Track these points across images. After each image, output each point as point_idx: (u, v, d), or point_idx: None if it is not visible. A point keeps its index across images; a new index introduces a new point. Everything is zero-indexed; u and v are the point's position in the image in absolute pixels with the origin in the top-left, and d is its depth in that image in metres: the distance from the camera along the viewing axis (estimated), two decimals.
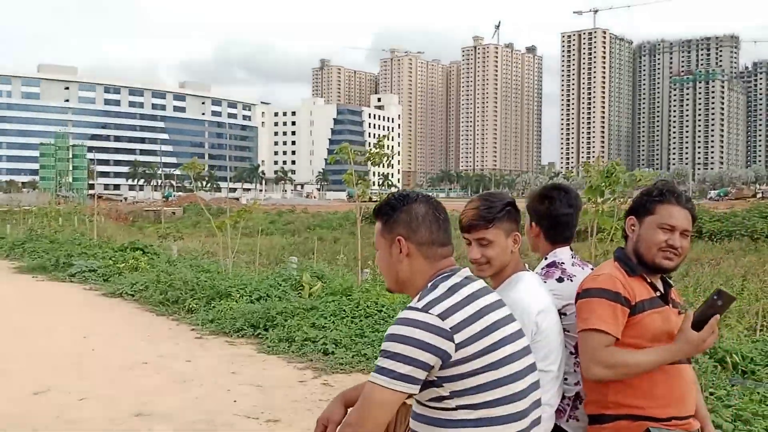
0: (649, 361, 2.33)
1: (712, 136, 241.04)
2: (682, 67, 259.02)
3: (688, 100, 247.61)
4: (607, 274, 2.46)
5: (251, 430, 4.80)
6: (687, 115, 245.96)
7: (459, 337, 1.97)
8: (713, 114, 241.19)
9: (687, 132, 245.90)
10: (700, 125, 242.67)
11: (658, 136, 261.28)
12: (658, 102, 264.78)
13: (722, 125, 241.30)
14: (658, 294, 2.46)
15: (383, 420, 1.97)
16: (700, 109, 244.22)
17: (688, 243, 2.45)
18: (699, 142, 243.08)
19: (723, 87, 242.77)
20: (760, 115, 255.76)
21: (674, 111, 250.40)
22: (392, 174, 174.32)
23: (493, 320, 2.03)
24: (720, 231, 38.30)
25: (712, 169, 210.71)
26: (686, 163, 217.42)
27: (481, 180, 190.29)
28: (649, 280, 2.48)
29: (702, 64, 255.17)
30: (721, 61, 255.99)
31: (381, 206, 2.25)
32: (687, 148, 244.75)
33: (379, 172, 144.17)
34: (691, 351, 2.34)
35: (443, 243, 2.17)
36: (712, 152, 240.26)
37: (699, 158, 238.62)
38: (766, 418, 4.18)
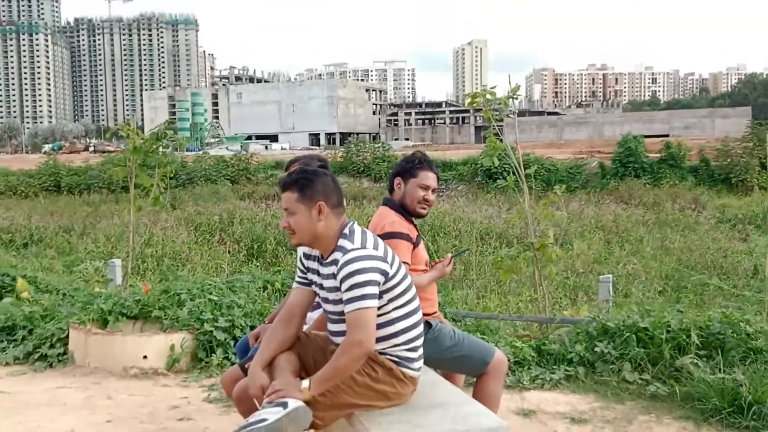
0: (426, 281, 3.61)
1: (40, 89, 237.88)
2: (3, 17, 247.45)
3: (12, 51, 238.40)
4: (399, 221, 3.57)
5: None
6: (12, 67, 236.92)
7: (389, 258, 2.86)
8: (39, 67, 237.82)
9: (14, 84, 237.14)
10: (26, 78, 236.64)
11: None
12: None
13: (48, 79, 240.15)
14: (417, 233, 3.74)
15: (374, 331, 2.78)
16: (25, 62, 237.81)
17: (435, 197, 3.78)
18: (27, 95, 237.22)
19: (47, 40, 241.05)
20: (84, 70, 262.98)
21: None
22: None
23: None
24: (79, 184, 39.88)
25: (42, 122, 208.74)
26: (15, 117, 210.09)
27: None
28: (413, 223, 3.73)
29: (24, 16, 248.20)
30: (43, 14, 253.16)
31: (297, 179, 2.88)
32: (15, 101, 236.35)
33: None
34: (443, 276, 3.71)
35: (342, 204, 2.97)
36: (41, 106, 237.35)
37: (28, 112, 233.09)
38: None
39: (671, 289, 12.59)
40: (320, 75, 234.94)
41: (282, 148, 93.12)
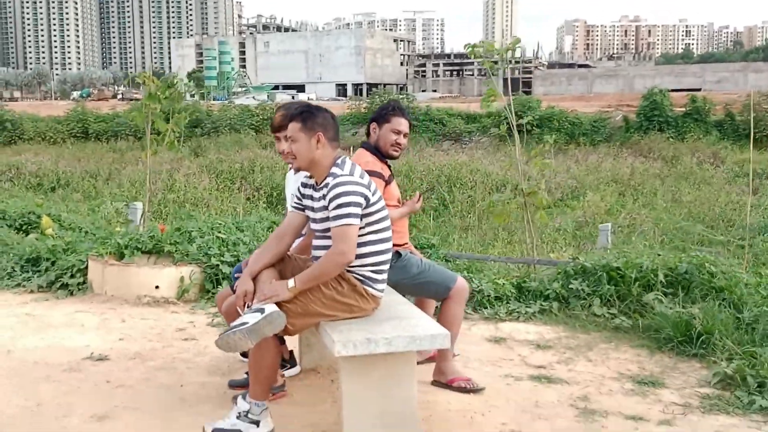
0: (397, 215, 4.01)
1: (68, 36, 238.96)
2: None
3: None
4: (373, 161, 3.99)
5: None
6: (41, 14, 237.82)
7: (371, 188, 3.32)
8: (68, 13, 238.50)
9: (43, 31, 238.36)
10: (55, 24, 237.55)
11: (12, 35, 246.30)
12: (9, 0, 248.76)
13: (77, 25, 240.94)
14: (390, 173, 4.15)
15: (355, 245, 3.25)
16: (54, 8, 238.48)
17: (407, 141, 4.18)
18: (55, 41, 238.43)
19: None
20: (113, 17, 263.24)
21: (27, 9, 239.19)
22: None
23: None
24: (106, 131, 40.59)
25: (70, 69, 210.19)
26: (44, 63, 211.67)
27: None
28: (387, 163, 4.14)
29: None
30: None
31: (301, 113, 3.37)
32: (44, 48, 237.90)
33: None
34: (413, 212, 4.17)
35: (338, 139, 3.46)
36: (69, 53, 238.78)
37: (57, 59, 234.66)
38: None
39: (678, 239, 12.88)
40: (348, 24, 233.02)
41: (309, 98, 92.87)
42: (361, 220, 3.28)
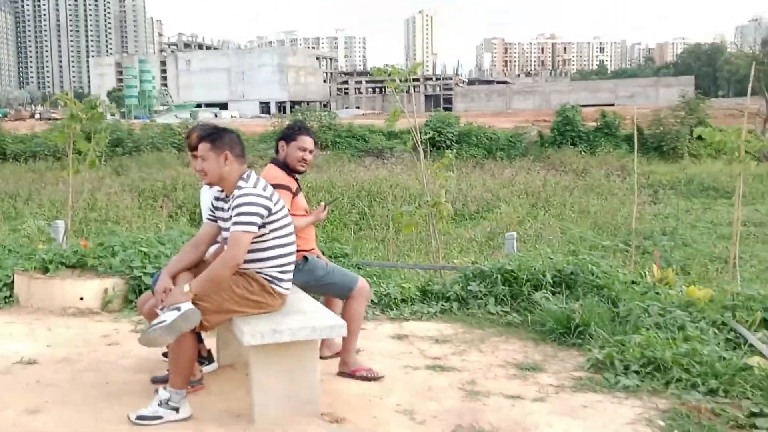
0: (303, 223, 4.48)
1: None
2: None
3: None
4: (281, 175, 4.44)
5: None
6: None
7: (273, 199, 3.79)
8: None
9: None
10: None
11: None
12: None
13: None
14: (298, 186, 4.61)
15: (246, 251, 3.69)
16: None
17: (313, 157, 4.65)
18: None
19: None
20: (29, 36, 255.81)
21: None
22: None
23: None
24: (24, 152, 39.67)
25: None
26: None
27: None
28: (295, 177, 4.60)
29: None
30: None
31: (210, 133, 3.83)
32: None
33: None
34: (318, 221, 4.64)
35: (244, 155, 3.89)
36: None
37: None
38: None
39: (582, 246, 13.72)
40: (270, 42, 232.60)
41: (231, 116, 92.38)
42: (264, 227, 3.73)
